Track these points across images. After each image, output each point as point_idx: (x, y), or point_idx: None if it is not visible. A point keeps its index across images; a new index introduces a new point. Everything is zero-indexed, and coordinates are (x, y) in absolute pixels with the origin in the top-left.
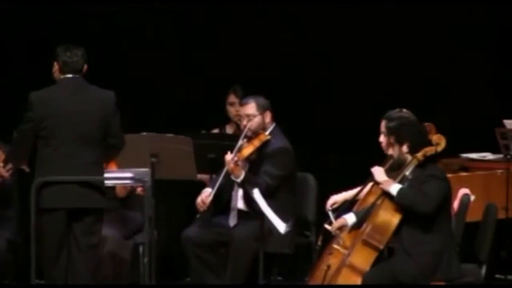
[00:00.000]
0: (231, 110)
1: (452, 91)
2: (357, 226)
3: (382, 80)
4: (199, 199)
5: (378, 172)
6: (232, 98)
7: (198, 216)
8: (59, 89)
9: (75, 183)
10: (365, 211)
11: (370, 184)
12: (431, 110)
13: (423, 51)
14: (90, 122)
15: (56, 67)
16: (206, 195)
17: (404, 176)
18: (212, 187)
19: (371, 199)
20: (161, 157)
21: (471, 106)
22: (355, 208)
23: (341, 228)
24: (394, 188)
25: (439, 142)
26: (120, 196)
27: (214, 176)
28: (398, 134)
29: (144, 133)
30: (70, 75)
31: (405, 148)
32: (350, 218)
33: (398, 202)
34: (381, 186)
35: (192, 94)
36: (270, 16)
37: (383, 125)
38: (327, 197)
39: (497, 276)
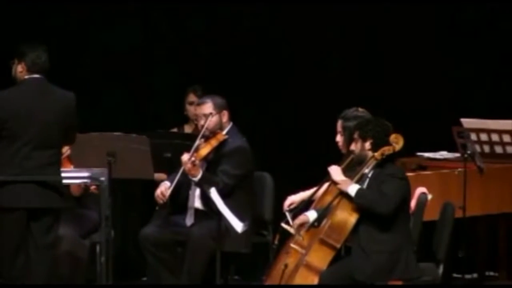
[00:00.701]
0: (190, 110)
1: (409, 90)
2: (316, 224)
3: (339, 80)
4: (158, 191)
5: (335, 172)
6: (191, 98)
7: (157, 208)
8: (25, 89)
9: (35, 183)
10: (322, 210)
11: (326, 184)
12: (388, 109)
13: (378, 50)
14: (52, 123)
15: (20, 66)
16: (166, 187)
17: (363, 175)
18: (171, 182)
19: (328, 199)
20: (118, 156)
21: (428, 105)
22: (312, 208)
23: (302, 225)
24: (352, 188)
25: (396, 141)
26: (75, 195)
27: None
28: (363, 130)
29: (101, 133)
30: (37, 75)
31: (368, 145)
32: (311, 215)
33: (356, 203)
34: (338, 186)
35: (151, 93)
36: (228, 14)
37: (339, 124)
38: (284, 196)
39: (455, 275)
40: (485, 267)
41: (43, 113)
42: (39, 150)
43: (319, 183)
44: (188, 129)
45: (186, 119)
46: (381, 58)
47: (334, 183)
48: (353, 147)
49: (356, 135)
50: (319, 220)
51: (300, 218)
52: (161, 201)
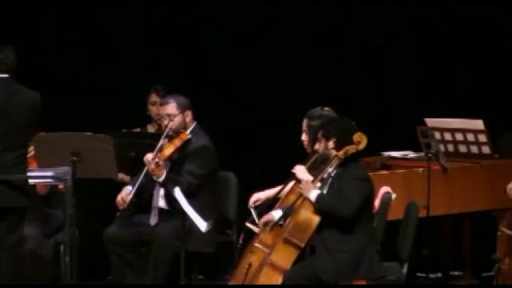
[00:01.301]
0: (153, 110)
1: (373, 89)
2: (281, 223)
3: (303, 79)
4: (119, 197)
5: (300, 171)
6: (153, 98)
7: (118, 214)
8: None
9: (0, 183)
10: (287, 208)
11: (292, 182)
12: (352, 109)
13: (344, 50)
14: (22, 124)
15: None
16: (127, 193)
17: (327, 174)
18: (133, 186)
19: (293, 198)
20: (82, 155)
21: (392, 104)
22: (276, 206)
23: (267, 223)
24: (313, 194)
25: (360, 140)
26: (41, 194)
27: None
28: (326, 129)
29: (65, 132)
30: (5, 75)
31: (331, 144)
32: (276, 214)
33: (317, 208)
34: (300, 191)
35: (113, 93)
36: (187, 15)
37: (304, 123)
38: (248, 196)
39: (419, 274)
40: (449, 266)
41: (13, 113)
42: (8, 150)
43: (284, 182)
44: (151, 129)
45: (149, 119)
46: (347, 57)
47: (299, 183)
48: (317, 146)
49: (319, 134)
50: (284, 218)
51: (266, 217)
52: (121, 207)
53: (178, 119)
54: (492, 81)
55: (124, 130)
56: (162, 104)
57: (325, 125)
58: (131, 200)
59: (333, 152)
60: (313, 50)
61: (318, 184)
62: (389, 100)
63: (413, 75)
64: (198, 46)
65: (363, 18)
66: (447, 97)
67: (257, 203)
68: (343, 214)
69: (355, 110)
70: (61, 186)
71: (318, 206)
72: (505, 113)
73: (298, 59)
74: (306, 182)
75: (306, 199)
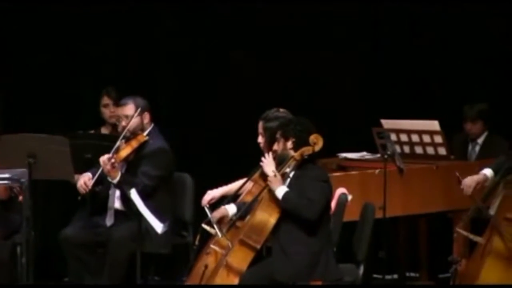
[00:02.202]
0: (105, 112)
1: (329, 91)
2: (235, 218)
3: (258, 81)
4: (81, 181)
5: (268, 165)
6: (105, 100)
7: (79, 198)
8: None
9: None
10: (247, 206)
11: (254, 176)
12: (307, 110)
13: (299, 52)
14: None
15: None
16: (89, 177)
17: (284, 174)
18: (92, 174)
19: (254, 194)
20: (38, 157)
21: (348, 106)
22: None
23: (222, 218)
24: (281, 190)
25: (316, 141)
26: (2, 199)
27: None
28: (285, 129)
29: (22, 134)
30: None
31: (289, 144)
32: (231, 209)
33: (282, 205)
34: (269, 182)
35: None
36: (153, 13)
37: (260, 125)
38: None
39: (375, 276)
40: (406, 267)
41: None
42: None
43: (246, 177)
44: (104, 131)
45: (103, 121)
46: (302, 59)
47: (265, 177)
48: (275, 146)
49: (278, 135)
50: (242, 215)
51: (219, 211)
52: (83, 191)
53: (136, 121)
54: (447, 82)
55: (80, 131)
56: (120, 105)
57: (284, 126)
58: (93, 186)
59: (292, 153)
60: (265, 51)
61: (287, 181)
62: (345, 102)
63: (369, 76)
64: (151, 46)
65: (316, 18)
66: (403, 99)
67: (212, 202)
68: (307, 215)
69: (310, 112)
70: (20, 198)
71: (284, 203)
72: (458, 114)
73: (251, 61)
74: (276, 176)
75: (265, 197)
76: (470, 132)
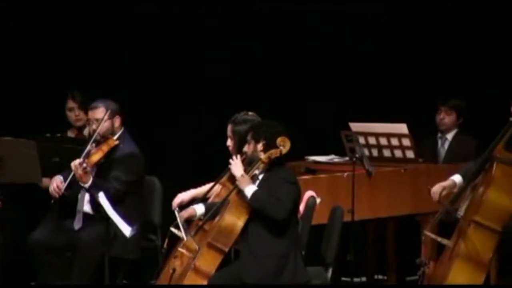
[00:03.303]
0: (71, 116)
1: (297, 93)
2: (203, 219)
3: (226, 83)
4: (54, 185)
5: (236, 166)
6: (70, 104)
7: (52, 201)
8: None
9: None
10: (215, 208)
11: (223, 179)
12: (276, 113)
13: (266, 54)
14: None
15: None
16: (61, 180)
17: (253, 176)
18: (64, 178)
19: (223, 195)
20: (5, 160)
21: (317, 108)
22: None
23: (189, 218)
24: (249, 189)
25: (283, 144)
26: None
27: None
28: (256, 132)
29: None
30: None
31: (260, 146)
32: (199, 209)
33: (251, 204)
34: (237, 182)
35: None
36: (123, 14)
37: (229, 129)
38: (172, 201)
39: (343, 278)
40: (374, 270)
41: None
42: None
43: (215, 180)
44: (70, 134)
45: (69, 125)
46: (271, 61)
47: (233, 179)
48: (246, 148)
49: (249, 137)
50: (210, 218)
51: (187, 211)
52: (56, 195)
53: (106, 124)
54: (417, 85)
55: (47, 135)
56: (91, 108)
57: (256, 128)
58: (65, 190)
59: (262, 155)
60: (236, 53)
61: (257, 182)
62: (313, 104)
63: (338, 79)
64: (118, 47)
65: (288, 20)
66: (372, 101)
67: (182, 204)
68: (275, 215)
69: (279, 114)
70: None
71: (252, 203)
72: (429, 117)
73: (221, 63)
74: (243, 176)
75: (233, 200)
76: (441, 122)
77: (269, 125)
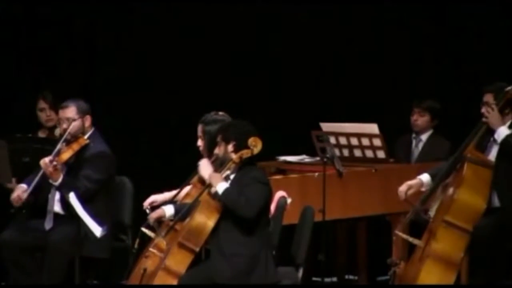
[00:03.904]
0: (42, 116)
1: (269, 93)
2: (174, 220)
3: (198, 83)
4: (15, 194)
5: (205, 166)
6: (41, 104)
7: (12, 211)
8: None
9: None
10: (186, 208)
11: (194, 179)
12: (247, 113)
13: (238, 53)
14: None
15: None
16: (23, 190)
17: (225, 177)
18: (28, 184)
19: (193, 196)
20: None
21: (288, 109)
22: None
23: (159, 219)
24: (221, 186)
25: (255, 144)
26: None
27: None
28: (226, 133)
29: None
30: None
31: (230, 147)
32: (168, 210)
33: (221, 201)
34: (209, 179)
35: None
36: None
37: (199, 129)
38: (143, 201)
39: (314, 278)
40: (344, 270)
41: None
42: None
43: (181, 185)
44: (41, 135)
45: (40, 125)
46: (241, 62)
47: (203, 179)
48: (216, 150)
49: (219, 138)
50: (181, 218)
51: (157, 212)
52: (16, 204)
53: (77, 124)
54: (387, 85)
55: (18, 135)
56: (62, 108)
57: (225, 129)
58: (27, 198)
59: (233, 156)
60: (208, 55)
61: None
62: (284, 104)
63: (308, 79)
64: (88, 48)
65: (259, 20)
66: (342, 101)
67: (153, 205)
68: (245, 214)
69: (250, 114)
70: None
71: (223, 199)
72: (400, 117)
73: (192, 63)
74: (214, 174)
75: (204, 200)
76: (415, 123)
77: (238, 125)
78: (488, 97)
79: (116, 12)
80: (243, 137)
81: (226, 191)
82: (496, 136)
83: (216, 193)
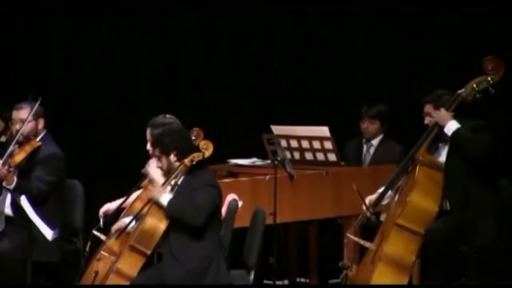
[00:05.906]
0: None
1: (219, 96)
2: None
3: (151, 86)
4: None
5: (153, 169)
6: None
7: None
8: None
9: None
10: (137, 212)
11: (144, 183)
12: (198, 116)
13: (188, 55)
14: None
15: None
16: None
17: (174, 184)
18: None
19: (140, 204)
20: None
21: (239, 112)
22: (123, 214)
23: (119, 230)
24: (164, 199)
25: (206, 147)
26: None
27: None
28: (162, 145)
29: None
30: None
31: (173, 157)
32: (128, 221)
33: (168, 214)
34: (150, 196)
35: None
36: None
37: (148, 132)
38: (94, 204)
39: (266, 282)
40: (296, 273)
41: None
42: None
43: (129, 192)
44: None
45: None
46: (192, 63)
47: (149, 189)
48: (159, 164)
49: (157, 152)
50: (135, 220)
51: (118, 224)
52: None
53: (30, 125)
54: (338, 88)
55: None
56: (16, 109)
57: (159, 142)
58: None
59: (178, 164)
60: (159, 55)
61: (168, 188)
62: (235, 107)
63: (260, 81)
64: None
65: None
66: (294, 104)
67: (107, 213)
68: (193, 222)
69: (201, 118)
70: None
71: (169, 212)
72: (350, 119)
73: (145, 65)
74: (157, 186)
75: (155, 204)
76: (365, 131)
77: (171, 132)
78: (428, 108)
79: (66, 12)
80: (183, 142)
81: (170, 203)
82: (446, 130)
83: (161, 205)
